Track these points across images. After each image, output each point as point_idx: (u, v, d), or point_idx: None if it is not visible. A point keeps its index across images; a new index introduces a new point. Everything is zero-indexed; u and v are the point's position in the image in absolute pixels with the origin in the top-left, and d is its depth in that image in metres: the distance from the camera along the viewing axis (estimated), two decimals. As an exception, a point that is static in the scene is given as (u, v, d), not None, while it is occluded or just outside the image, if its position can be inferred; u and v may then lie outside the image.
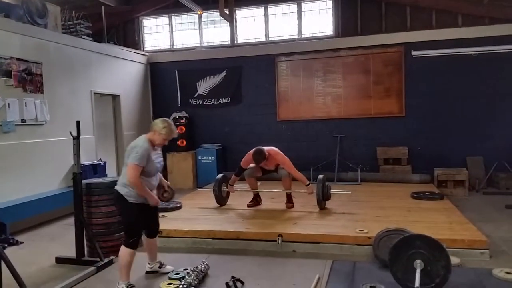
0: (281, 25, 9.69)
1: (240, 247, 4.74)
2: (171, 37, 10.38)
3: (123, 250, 3.66)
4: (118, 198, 3.72)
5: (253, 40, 9.84)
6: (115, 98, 8.65)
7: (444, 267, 3.12)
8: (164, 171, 9.34)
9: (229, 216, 5.70)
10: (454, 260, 3.72)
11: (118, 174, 8.45)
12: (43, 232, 5.88)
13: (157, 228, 4.12)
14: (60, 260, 4.47)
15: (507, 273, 3.57)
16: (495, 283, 3.52)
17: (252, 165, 6.04)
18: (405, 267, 3.20)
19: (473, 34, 8.05)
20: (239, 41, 9.93)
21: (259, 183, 6.49)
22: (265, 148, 5.85)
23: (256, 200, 6.25)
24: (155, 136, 3.69)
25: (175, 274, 3.86)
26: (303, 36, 9.54)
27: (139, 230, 3.78)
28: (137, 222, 3.73)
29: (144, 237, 4.02)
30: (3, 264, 3.33)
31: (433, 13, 8.65)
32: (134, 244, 3.67)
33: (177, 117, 9.45)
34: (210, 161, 9.14)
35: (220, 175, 6.39)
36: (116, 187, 3.74)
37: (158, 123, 3.71)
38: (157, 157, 3.82)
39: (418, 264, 3.14)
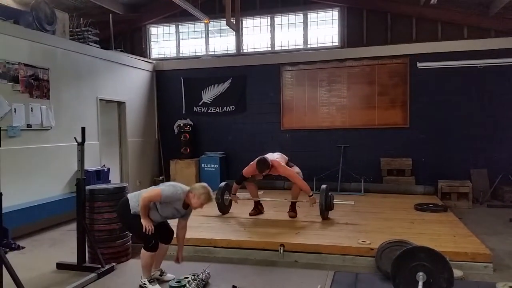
0: (286, 35, 9.74)
1: (241, 256, 4.72)
2: (178, 45, 10.46)
3: (143, 253, 3.81)
4: (122, 204, 3.86)
5: (259, 50, 9.89)
6: (120, 105, 8.70)
7: (447, 280, 3.09)
8: (163, 181, 9.37)
9: (231, 224, 5.68)
10: (457, 273, 3.69)
11: (122, 180, 8.50)
12: (45, 237, 5.88)
13: (171, 234, 4.15)
14: (61, 266, 4.47)
15: (511, 287, 3.52)
16: (499, 297, 3.48)
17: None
18: (407, 279, 3.17)
19: (478, 47, 8.06)
20: (244, 50, 9.98)
21: (261, 192, 6.48)
22: (269, 158, 5.84)
23: (258, 209, 6.24)
24: (193, 199, 3.77)
25: (176, 282, 3.84)
26: (308, 46, 9.58)
27: (156, 236, 3.83)
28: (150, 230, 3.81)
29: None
30: (4, 269, 3.34)
31: (439, 25, 8.67)
32: (153, 248, 3.79)
33: (182, 124, 9.49)
34: (213, 169, 9.15)
35: (223, 183, 6.39)
36: (129, 195, 3.92)
37: (199, 188, 3.78)
38: (178, 212, 3.92)
39: (421, 276, 3.12)
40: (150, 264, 3.86)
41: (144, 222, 3.72)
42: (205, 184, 3.89)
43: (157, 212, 3.82)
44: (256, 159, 5.83)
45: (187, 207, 3.90)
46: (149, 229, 3.70)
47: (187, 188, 3.84)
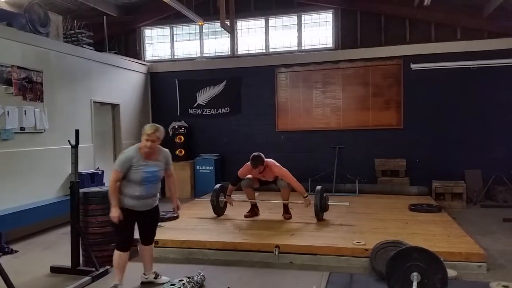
0: (281, 37, 9.76)
1: (237, 258, 4.71)
2: (172, 47, 10.45)
3: (114, 252, 3.79)
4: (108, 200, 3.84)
5: (253, 51, 9.90)
6: (114, 107, 8.67)
7: (441, 280, 3.11)
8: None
9: (226, 226, 5.68)
10: (451, 273, 3.71)
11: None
12: (39, 241, 5.85)
13: (151, 235, 4.05)
14: (55, 270, 4.44)
15: (504, 286, 3.55)
16: (493, 297, 3.50)
17: (249, 176, 6.05)
18: (402, 280, 3.18)
19: (472, 48, 8.11)
20: (239, 52, 9.99)
21: (256, 194, 6.48)
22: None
23: (253, 211, 6.23)
24: (142, 139, 3.75)
25: (171, 285, 3.83)
26: (303, 48, 9.61)
27: (127, 235, 3.79)
28: (124, 226, 3.73)
29: (140, 245, 4.08)
30: (-3, 272, 3.32)
31: (432, 26, 8.72)
32: (122, 247, 3.75)
33: (176, 126, 9.47)
34: (208, 171, 9.14)
35: (218, 185, 6.39)
36: None
37: (144, 127, 3.81)
38: (146, 166, 3.75)
39: (415, 276, 3.13)
40: (121, 266, 3.77)
41: (111, 212, 3.65)
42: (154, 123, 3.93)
43: (132, 184, 3.71)
44: (250, 159, 5.84)
45: (150, 157, 3.78)
46: (116, 220, 3.62)
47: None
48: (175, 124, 9.53)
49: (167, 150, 4.03)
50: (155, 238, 4.16)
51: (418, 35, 8.78)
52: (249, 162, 5.86)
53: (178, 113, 9.77)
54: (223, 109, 9.55)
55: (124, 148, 8.65)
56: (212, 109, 9.62)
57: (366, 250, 4.36)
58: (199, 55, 10.22)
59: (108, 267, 4.38)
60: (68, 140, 4.44)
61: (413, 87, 8.44)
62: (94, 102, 7.85)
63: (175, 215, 6.09)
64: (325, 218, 5.83)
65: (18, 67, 6.15)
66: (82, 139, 4.64)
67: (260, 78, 9.27)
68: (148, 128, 3.75)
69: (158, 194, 3.99)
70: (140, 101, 9.58)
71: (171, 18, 10.15)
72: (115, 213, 3.65)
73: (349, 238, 4.83)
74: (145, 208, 3.84)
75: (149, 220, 3.97)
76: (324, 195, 5.79)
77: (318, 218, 5.73)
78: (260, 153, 5.86)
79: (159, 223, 5.60)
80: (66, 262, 4.41)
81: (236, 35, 9.87)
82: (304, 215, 5.99)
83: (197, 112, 9.72)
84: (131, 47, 10.56)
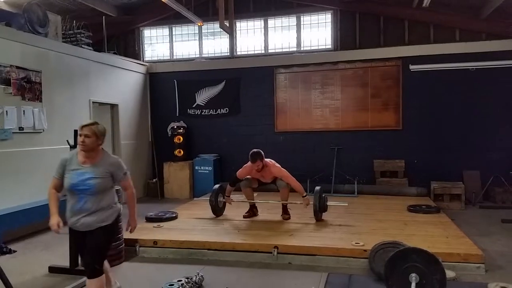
0: (280, 38, 9.76)
1: (235, 259, 4.71)
2: (171, 48, 10.44)
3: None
4: None
5: (253, 52, 9.90)
6: (113, 107, 8.67)
7: (440, 281, 3.11)
8: (156, 183, 9.33)
9: (225, 227, 5.67)
10: (449, 274, 3.71)
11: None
12: (37, 241, 5.83)
13: (91, 265, 3.11)
14: (53, 270, 4.43)
15: (503, 287, 3.55)
16: (491, 298, 3.51)
17: (248, 177, 6.05)
18: (400, 281, 3.18)
19: (470, 49, 8.14)
20: (238, 53, 9.99)
21: (255, 194, 6.48)
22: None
23: (252, 211, 6.24)
24: None
25: (169, 285, 3.82)
26: (302, 49, 9.61)
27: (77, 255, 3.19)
28: (72, 245, 3.26)
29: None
30: (-5, 272, 3.30)
31: (431, 27, 8.73)
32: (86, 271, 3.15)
33: (175, 126, 9.47)
34: (207, 171, 9.14)
35: (217, 186, 6.39)
36: None
37: None
38: (77, 171, 3.13)
39: (414, 277, 3.13)
40: None
41: (50, 220, 3.11)
42: None
43: (68, 194, 3.20)
44: (249, 161, 5.85)
45: (86, 160, 3.16)
46: (55, 229, 3.06)
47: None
48: (174, 125, 9.53)
49: (116, 157, 3.42)
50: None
51: (417, 36, 8.79)
52: (248, 163, 5.87)
53: (177, 113, 9.77)
54: (222, 109, 9.55)
55: (123, 149, 8.74)
56: (211, 110, 9.62)
57: (365, 251, 4.36)
58: (198, 55, 10.22)
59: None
60: (67, 140, 4.44)
61: (412, 88, 8.45)
62: (93, 102, 7.84)
63: (174, 215, 6.09)
64: (324, 218, 5.84)
65: (17, 67, 6.14)
66: (81, 139, 4.62)
67: (259, 79, 9.28)
68: (84, 121, 3.22)
69: (105, 214, 3.17)
70: (139, 102, 9.57)
71: (170, 18, 10.14)
72: (52, 221, 3.08)
73: (347, 238, 4.83)
74: (83, 228, 3.14)
75: (91, 245, 3.14)
76: (323, 195, 5.79)
77: (317, 218, 5.74)
78: (260, 150, 5.88)
79: (158, 223, 5.68)
80: (65, 262, 4.40)
81: (235, 36, 9.87)
82: (303, 215, 5.99)
83: (196, 113, 9.72)
84: (130, 47, 10.55)
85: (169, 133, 9.57)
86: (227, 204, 6.28)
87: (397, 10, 8.82)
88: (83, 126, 3.13)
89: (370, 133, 8.72)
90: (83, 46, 7.96)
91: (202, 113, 9.68)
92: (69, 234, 3.19)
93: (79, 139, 3.11)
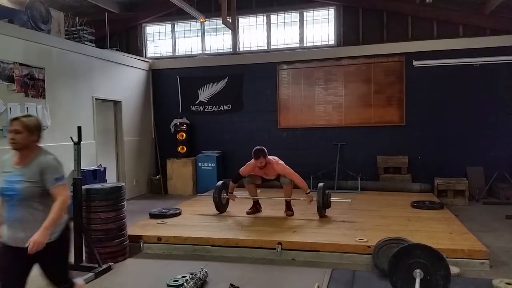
0: (283, 34, 9.74)
1: (239, 255, 4.72)
2: (174, 44, 10.43)
3: None
4: None
5: (255, 48, 9.88)
6: (116, 104, 8.67)
7: (444, 277, 3.10)
8: (159, 180, 9.34)
9: (229, 223, 5.68)
10: (453, 270, 3.70)
11: (118, 180, 8.48)
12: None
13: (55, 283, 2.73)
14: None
15: (507, 283, 3.54)
16: (495, 294, 3.50)
17: (251, 174, 6.05)
18: (404, 277, 3.18)
19: (474, 45, 8.09)
20: (241, 49, 9.97)
21: (259, 191, 6.49)
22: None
23: (256, 208, 6.24)
24: None
25: (174, 281, 3.83)
26: (305, 44, 9.58)
27: (6, 279, 2.69)
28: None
29: None
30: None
31: (435, 23, 8.69)
32: None
33: (178, 123, 9.48)
34: (210, 168, 9.14)
35: (220, 182, 6.39)
36: None
37: None
38: (9, 173, 2.66)
39: (418, 273, 3.13)
40: None
41: None
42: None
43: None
44: (252, 159, 5.86)
45: (20, 160, 2.67)
46: None
47: None
48: (177, 121, 9.53)
49: (53, 157, 2.81)
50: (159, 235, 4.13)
51: (420, 32, 8.75)
52: (251, 160, 5.86)
53: (180, 110, 9.77)
54: (225, 106, 9.54)
55: (126, 145, 8.75)
56: (214, 106, 9.61)
57: (369, 247, 4.36)
58: (200, 52, 10.21)
59: (111, 263, 4.39)
60: (71, 137, 4.44)
61: (415, 84, 8.42)
62: (96, 99, 7.85)
63: (177, 212, 6.09)
64: (327, 215, 5.84)
65: (20, 64, 6.15)
66: (84, 136, 4.64)
67: (262, 75, 9.26)
68: (15, 115, 2.77)
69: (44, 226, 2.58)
70: (142, 98, 9.57)
71: (172, 15, 10.13)
72: None
73: (351, 235, 4.83)
74: (15, 243, 2.59)
75: (46, 263, 2.75)
76: (326, 192, 5.79)
77: (320, 214, 5.73)
78: (263, 147, 5.88)
79: (161, 220, 5.69)
80: (69, 258, 4.41)
81: (238, 32, 9.85)
82: (306, 212, 5.99)
83: (199, 109, 9.71)
84: (132, 44, 10.55)
85: (172, 129, 9.58)
86: (230, 200, 6.29)
87: (400, 5, 8.78)
88: (12, 120, 2.64)
89: (374, 129, 8.69)
90: (85, 42, 7.97)
91: (205, 110, 9.68)
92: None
93: (8, 135, 2.62)
